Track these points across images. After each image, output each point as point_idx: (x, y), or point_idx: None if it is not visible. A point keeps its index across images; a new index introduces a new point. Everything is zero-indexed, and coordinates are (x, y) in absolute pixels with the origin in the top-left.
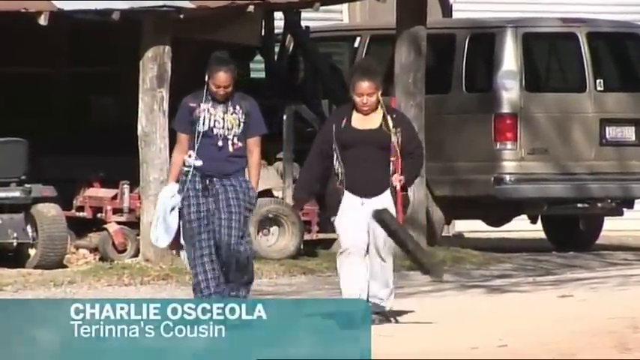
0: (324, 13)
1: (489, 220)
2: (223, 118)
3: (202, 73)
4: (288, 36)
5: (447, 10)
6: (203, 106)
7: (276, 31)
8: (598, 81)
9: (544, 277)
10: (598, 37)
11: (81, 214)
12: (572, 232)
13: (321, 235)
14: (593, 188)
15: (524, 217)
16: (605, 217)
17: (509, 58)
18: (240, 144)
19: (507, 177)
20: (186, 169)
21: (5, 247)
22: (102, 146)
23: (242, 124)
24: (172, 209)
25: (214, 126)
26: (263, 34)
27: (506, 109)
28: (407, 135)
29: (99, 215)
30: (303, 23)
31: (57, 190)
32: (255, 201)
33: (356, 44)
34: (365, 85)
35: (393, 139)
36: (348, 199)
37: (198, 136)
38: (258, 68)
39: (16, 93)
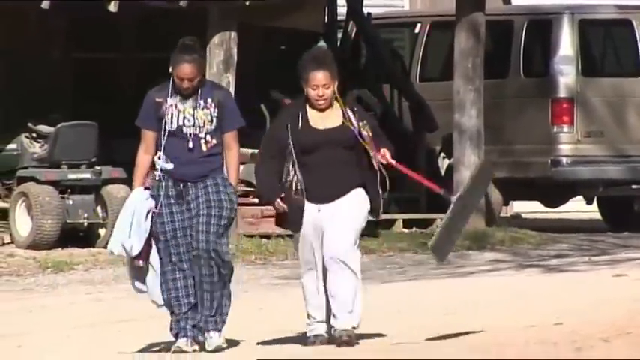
0: (386, 0)
1: (546, 202)
2: (193, 115)
3: (268, 58)
4: (351, 22)
5: None
6: (170, 101)
7: (338, 17)
8: None
9: (599, 256)
10: None
11: None
12: (627, 213)
13: (383, 216)
14: None
15: (580, 198)
16: None
17: (566, 43)
18: (214, 141)
19: (564, 159)
20: (157, 173)
21: (76, 227)
22: None
23: (214, 119)
24: (147, 213)
25: (184, 124)
26: (326, 20)
27: (562, 93)
28: (371, 126)
29: None
30: (365, 10)
31: (126, 172)
32: (236, 204)
33: (416, 30)
34: (320, 76)
35: (364, 133)
36: (307, 209)
37: (165, 136)
38: (332, 54)
39: (87, 78)
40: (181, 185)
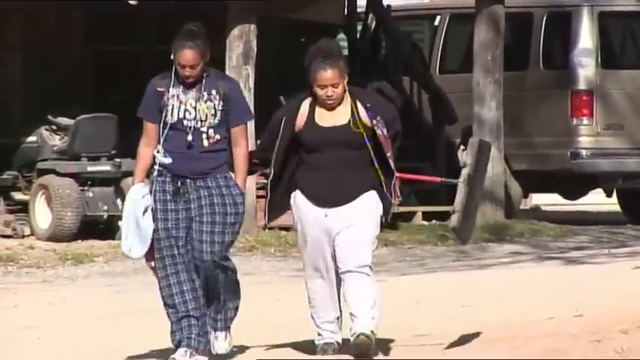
0: None
1: (566, 194)
2: (195, 107)
3: (287, 51)
4: (370, 15)
5: None
6: (172, 91)
7: (358, 9)
8: None
9: (619, 249)
10: None
11: None
12: None
13: (402, 208)
14: None
15: (599, 190)
16: None
17: (586, 36)
18: (217, 136)
19: (583, 152)
20: (156, 167)
21: (96, 219)
22: None
23: (219, 113)
24: (145, 211)
25: (184, 117)
26: (346, 12)
27: (582, 85)
28: (387, 120)
29: None
30: (385, 2)
31: None
32: (242, 208)
33: (436, 23)
34: (328, 75)
35: (378, 132)
36: (308, 208)
37: (165, 128)
38: (340, 46)
39: (107, 70)
40: (179, 182)
